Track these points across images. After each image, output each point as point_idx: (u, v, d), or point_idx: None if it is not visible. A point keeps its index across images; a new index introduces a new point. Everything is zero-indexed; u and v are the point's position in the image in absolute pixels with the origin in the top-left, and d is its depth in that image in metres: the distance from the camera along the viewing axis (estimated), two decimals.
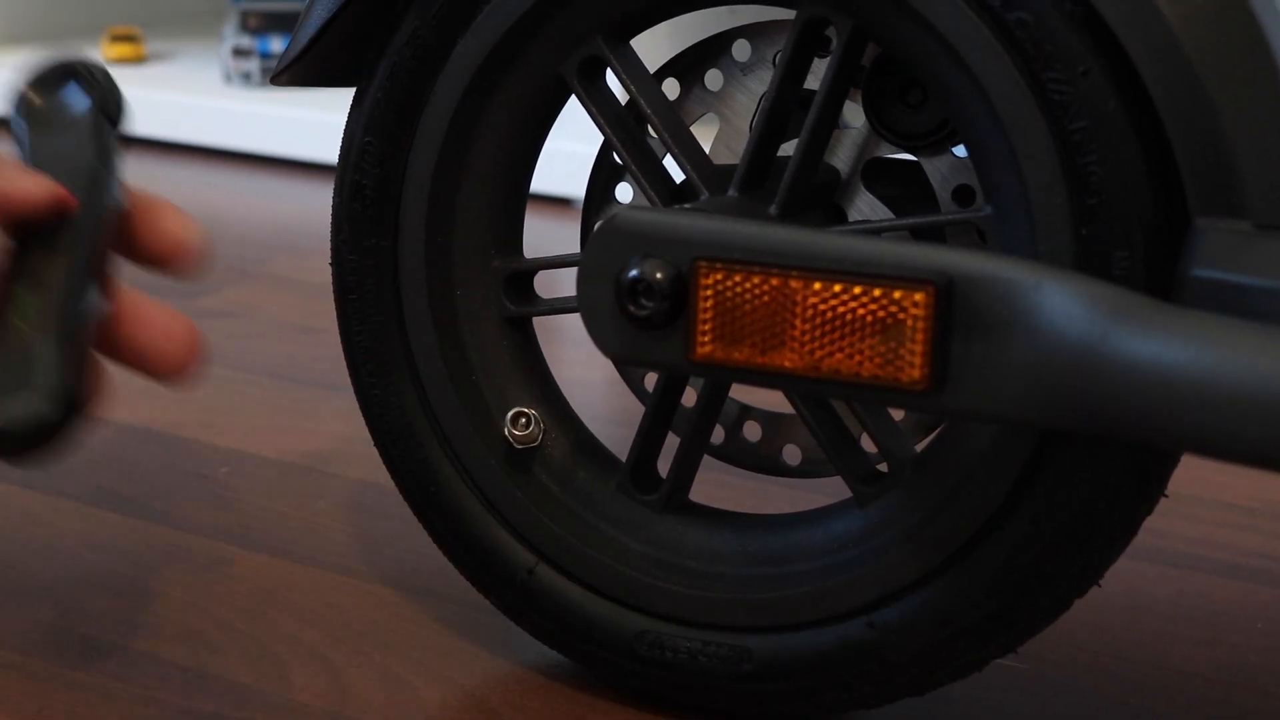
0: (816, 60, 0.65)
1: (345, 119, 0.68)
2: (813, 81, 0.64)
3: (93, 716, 0.67)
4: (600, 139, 0.67)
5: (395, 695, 0.69)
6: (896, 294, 0.54)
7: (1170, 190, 0.55)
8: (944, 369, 0.54)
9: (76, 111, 0.65)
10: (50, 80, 0.66)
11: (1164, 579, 0.83)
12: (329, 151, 0.71)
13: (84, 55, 0.66)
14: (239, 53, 1.96)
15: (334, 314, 0.70)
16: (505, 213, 0.69)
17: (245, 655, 0.72)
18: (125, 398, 1.08)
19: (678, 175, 0.66)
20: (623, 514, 0.68)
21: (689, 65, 0.69)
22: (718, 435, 0.71)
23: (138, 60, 2.12)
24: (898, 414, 0.67)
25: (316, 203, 1.68)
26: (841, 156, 0.67)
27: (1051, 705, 0.71)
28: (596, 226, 0.59)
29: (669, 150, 0.65)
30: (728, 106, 0.69)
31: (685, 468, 0.68)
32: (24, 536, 0.83)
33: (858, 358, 0.55)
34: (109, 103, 0.65)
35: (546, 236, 1.16)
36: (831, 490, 0.71)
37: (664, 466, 0.69)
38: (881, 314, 0.54)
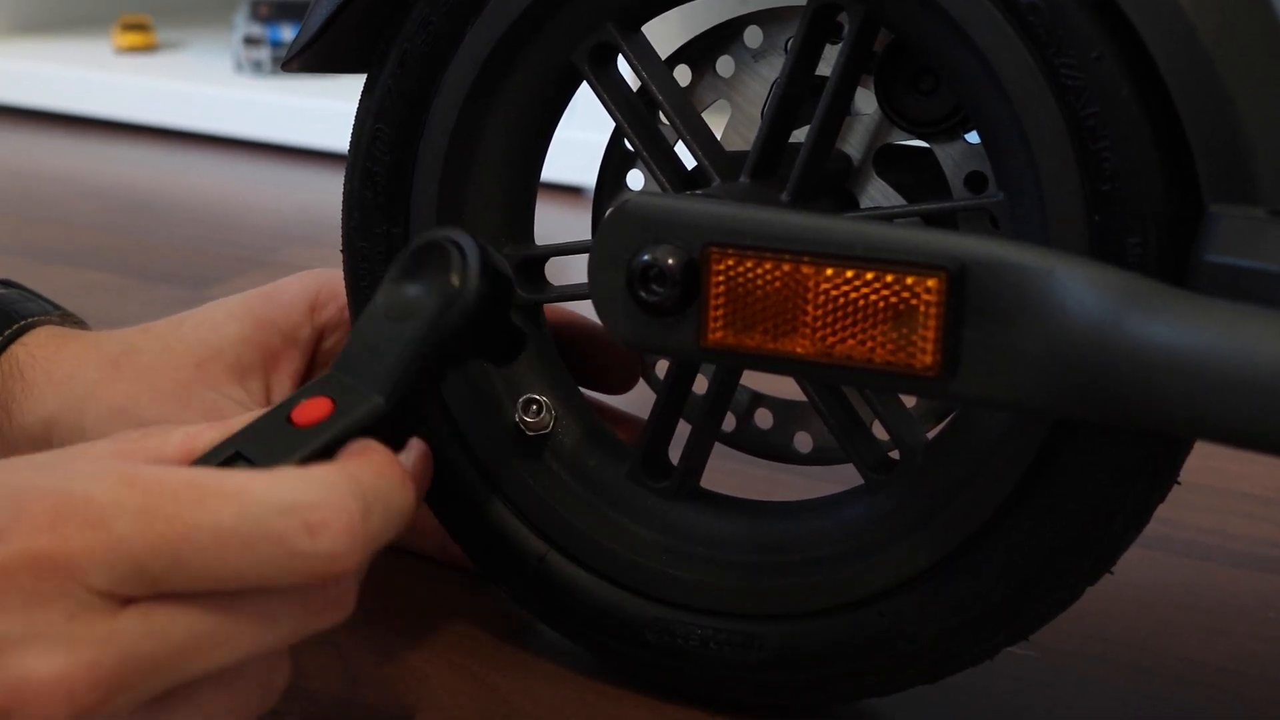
0: (828, 47, 0.65)
1: (356, 106, 0.68)
2: (824, 68, 0.64)
3: None
4: (612, 126, 0.67)
5: (405, 682, 0.69)
6: (909, 280, 0.53)
7: (1184, 176, 0.55)
8: (956, 355, 0.53)
9: (418, 304, 0.57)
10: (413, 260, 0.59)
11: (1176, 568, 0.83)
12: (340, 139, 0.71)
13: (461, 233, 0.58)
14: (250, 41, 1.96)
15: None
16: (516, 200, 0.69)
17: None
18: None
19: (689, 162, 0.66)
20: (634, 501, 0.68)
21: (700, 52, 0.69)
22: (729, 423, 0.71)
23: (149, 49, 2.12)
24: (910, 401, 0.67)
25: (327, 190, 1.68)
26: (853, 143, 0.66)
27: (1062, 693, 0.70)
28: (608, 212, 0.59)
29: (680, 137, 0.65)
30: (739, 93, 0.69)
31: (696, 455, 0.68)
32: None
33: (870, 344, 0.55)
34: (466, 311, 0.57)
35: (557, 225, 1.16)
36: (843, 478, 0.71)
37: (675, 454, 0.68)
38: (894, 300, 0.54)
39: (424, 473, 0.58)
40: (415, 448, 0.58)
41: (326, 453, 0.54)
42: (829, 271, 0.55)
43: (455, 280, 0.58)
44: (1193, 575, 0.82)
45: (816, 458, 0.71)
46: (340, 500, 0.49)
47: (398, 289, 0.58)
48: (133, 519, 0.46)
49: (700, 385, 0.67)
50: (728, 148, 0.67)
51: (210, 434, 0.55)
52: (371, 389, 0.56)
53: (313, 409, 0.55)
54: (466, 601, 0.76)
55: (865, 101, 0.66)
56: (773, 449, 0.71)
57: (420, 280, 0.58)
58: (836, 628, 0.64)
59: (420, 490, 0.57)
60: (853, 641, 0.64)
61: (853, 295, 0.54)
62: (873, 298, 0.54)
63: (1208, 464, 0.92)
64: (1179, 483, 0.60)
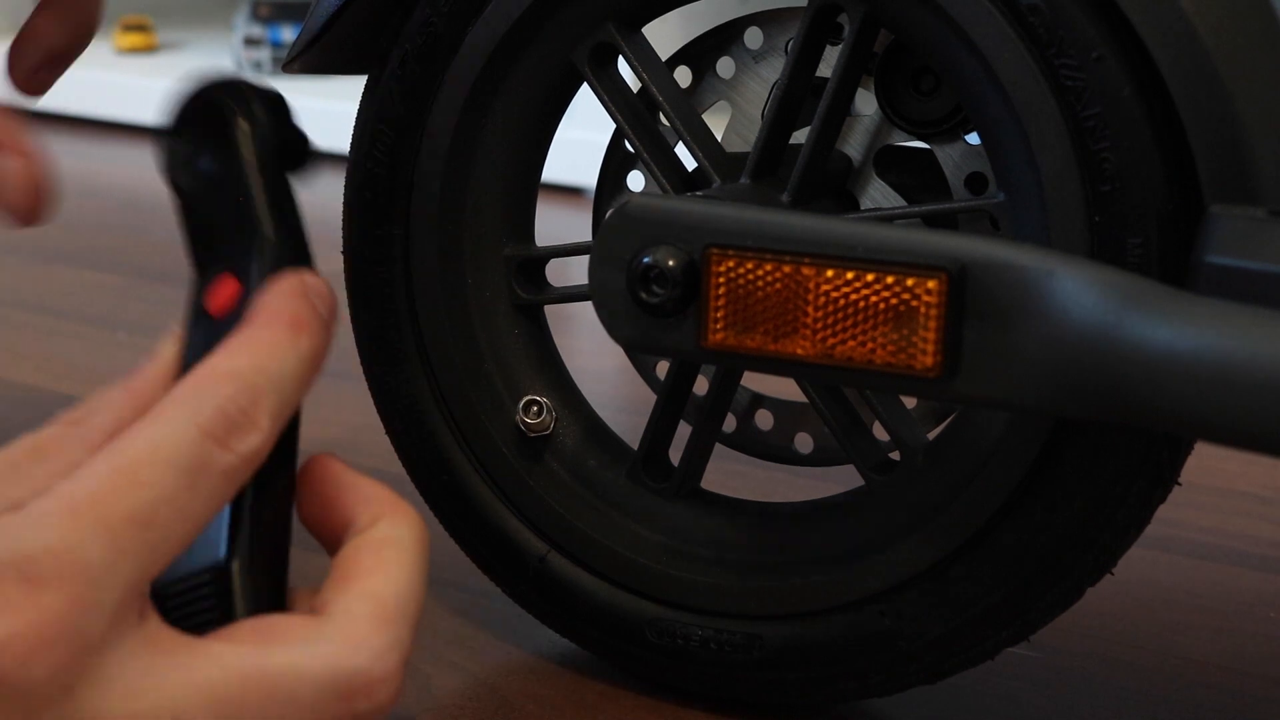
0: (829, 48, 0.65)
1: (357, 107, 0.68)
2: (825, 69, 0.64)
3: None
4: (612, 127, 0.67)
5: (407, 683, 0.69)
6: (909, 281, 0.53)
7: (1184, 177, 0.55)
8: (957, 356, 0.53)
9: (229, 161, 0.55)
10: (192, 118, 0.57)
11: (1176, 567, 0.83)
12: (340, 140, 0.71)
13: (234, 74, 0.57)
14: (250, 42, 1.96)
15: (345, 302, 0.70)
16: (517, 201, 0.69)
17: None
18: None
19: (690, 163, 0.66)
20: (634, 502, 0.68)
21: (701, 53, 0.69)
22: (729, 423, 0.71)
23: (149, 49, 2.12)
24: (910, 402, 0.67)
25: (328, 191, 1.68)
26: (854, 144, 0.66)
27: (1063, 693, 0.70)
28: (608, 214, 0.59)
29: (681, 138, 0.65)
30: (740, 94, 0.69)
31: (697, 456, 0.68)
32: None
33: (870, 345, 0.55)
34: (269, 136, 0.55)
35: (558, 225, 1.16)
36: (844, 478, 0.71)
37: (675, 455, 0.68)
38: (894, 301, 0.54)
39: (330, 305, 0.53)
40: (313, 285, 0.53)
41: None
42: (829, 273, 0.55)
43: (247, 111, 0.56)
44: (1192, 575, 0.83)
45: (817, 458, 0.71)
46: (231, 403, 0.48)
47: (193, 167, 0.56)
48: (100, 542, 0.44)
49: (700, 386, 0.68)
50: (728, 149, 0.67)
51: (149, 372, 0.53)
52: (254, 236, 0.54)
53: (221, 292, 0.53)
54: (466, 601, 0.76)
55: (865, 102, 0.66)
56: (773, 450, 0.71)
57: (210, 139, 0.56)
58: (837, 628, 0.64)
59: (329, 321, 0.52)
60: (853, 641, 0.64)
61: (853, 297, 0.54)
62: (873, 299, 0.54)
63: (1208, 464, 0.92)
64: (1179, 483, 0.60)
